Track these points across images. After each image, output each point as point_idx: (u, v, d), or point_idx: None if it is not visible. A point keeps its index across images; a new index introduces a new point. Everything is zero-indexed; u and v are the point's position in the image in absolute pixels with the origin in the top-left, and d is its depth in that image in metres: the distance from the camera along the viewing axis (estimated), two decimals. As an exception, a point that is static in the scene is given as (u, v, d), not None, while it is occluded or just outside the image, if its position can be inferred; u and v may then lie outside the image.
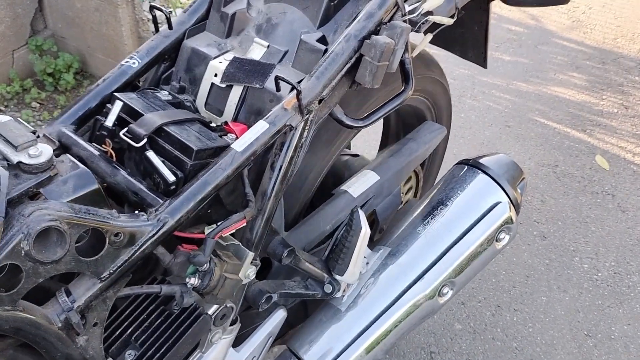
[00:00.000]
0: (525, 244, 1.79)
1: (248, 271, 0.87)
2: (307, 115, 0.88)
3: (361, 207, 1.11)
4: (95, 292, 0.72)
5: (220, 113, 0.95)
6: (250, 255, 0.85)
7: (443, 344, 1.54)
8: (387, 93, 1.03)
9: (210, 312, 0.86)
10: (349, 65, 0.90)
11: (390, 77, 0.97)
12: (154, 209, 0.77)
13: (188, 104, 0.95)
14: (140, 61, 0.95)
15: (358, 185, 1.14)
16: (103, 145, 0.85)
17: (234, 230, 0.83)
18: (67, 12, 2.12)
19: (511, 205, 1.09)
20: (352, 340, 1.04)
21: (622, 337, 1.56)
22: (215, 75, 0.94)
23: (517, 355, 1.52)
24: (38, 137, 0.75)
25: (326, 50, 0.91)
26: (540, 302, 1.64)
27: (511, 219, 1.08)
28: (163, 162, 0.82)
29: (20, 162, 0.69)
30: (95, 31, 2.10)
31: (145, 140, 0.82)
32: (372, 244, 1.13)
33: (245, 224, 0.84)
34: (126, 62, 0.95)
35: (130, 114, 0.86)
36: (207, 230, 0.82)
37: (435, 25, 1.01)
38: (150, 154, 0.82)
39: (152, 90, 0.94)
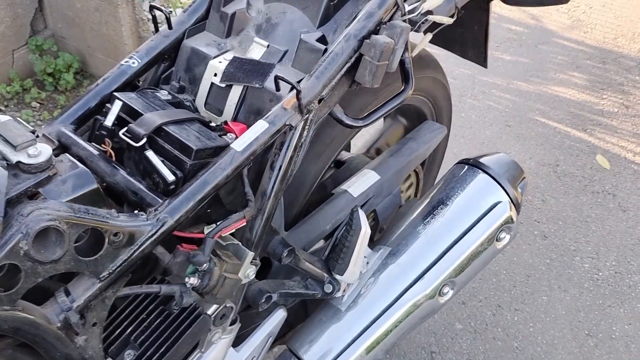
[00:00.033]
0: (526, 244, 1.79)
1: (248, 271, 0.86)
2: (307, 115, 0.88)
3: (361, 206, 1.11)
4: (94, 292, 0.72)
5: (219, 113, 0.95)
6: (250, 254, 0.85)
7: (444, 343, 1.54)
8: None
9: (209, 312, 0.86)
10: (348, 64, 0.89)
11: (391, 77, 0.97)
12: (154, 209, 0.76)
13: (188, 103, 0.95)
14: (139, 61, 0.95)
15: (358, 185, 1.14)
16: (102, 145, 0.85)
17: (233, 230, 0.83)
18: (67, 12, 2.12)
19: (512, 204, 1.09)
20: (353, 340, 1.04)
21: (623, 337, 1.56)
22: (215, 74, 0.94)
23: (518, 354, 1.52)
24: (37, 136, 0.75)
25: (326, 50, 0.91)
26: (541, 302, 1.64)
27: (512, 219, 1.08)
28: (162, 161, 0.82)
29: (20, 161, 0.69)
30: (95, 31, 2.10)
31: (144, 139, 0.82)
32: (373, 243, 1.13)
33: (244, 224, 0.83)
34: (126, 61, 0.95)
35: (129, 113, 0.86)
36: (206, 229, 0.81)
37: (435, 25, 1.01)
38: (150, 154, 0.82)
39: (152, 90, 0.94)
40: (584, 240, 1.81)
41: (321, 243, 1.14)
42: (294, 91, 0.85)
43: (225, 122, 0.92)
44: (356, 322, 1.05)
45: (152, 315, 0.82)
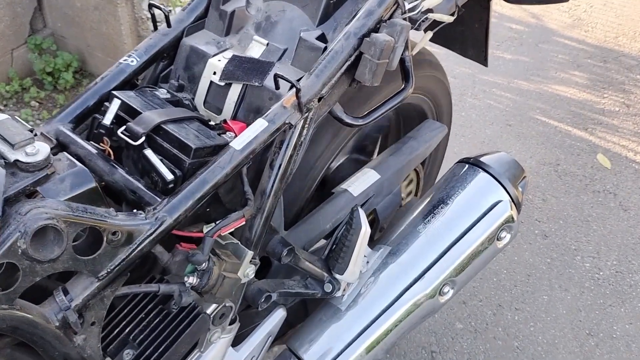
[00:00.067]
0: (526, 243, 1.79)
1: (247, 270, 0.86)
2: (307, 114, 0.87)
3: (361, 205, 1.11)
4: (92, 291, 0.72)
5: (219, 111, 0.95)
6: (249, 254, 0.84)
7: (444, 343, 1.53)
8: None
9: (209, 311, 0.85)
10: (348, 63, 0.89)
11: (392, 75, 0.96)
12: (152, 208, 0.76)
13: (187, 102, 0.95)
14: (138, 59, 0.95)
15: (358, 184, 1.14)
16: (101, 144, 0.85)
17: (232, 229, 0.82)
18: (66, 11, 2.11)
19: (512, 203, 1.08)
20: (353, 340, 1.04)
21: (624, 336, 1.56)
22: (214, 73, 0.94)
23: (519, 354, 1.51)
24: (35, 135, 0.74)
25: (326, 48, 0.91)
26: (542, 301, 1.64)
27: (512, 218, 1.08)
28: (161, 160, 0.82)
29: (17, 160, 0.68)
30: (94, 30, 2.09)
31: (143, 138, 0.81)
32: (373, 243, 1.12)
33: (244, 223, 0.83)
34: (124, 60, 0.95)
35: (128, 112, 0.86)
36: (205, 229, 0.81)
37: (435, 23, 1.01)
38: (149, 153, 0.81)
39: (151, 89, 0.94)
40: (585, 239, 1.81)
41: (321, 242, 1.13)
42: (294, 89, 0.84)
43: (225, 121, 0.92)
44: (356, 322, 1.04)
45: (151, 315, 0.82)
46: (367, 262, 1.09)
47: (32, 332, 0.69)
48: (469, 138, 2.16)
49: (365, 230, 0.99)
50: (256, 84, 0.91)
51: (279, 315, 1.01)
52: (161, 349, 0.81)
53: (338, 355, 1.03)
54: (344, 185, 1.13)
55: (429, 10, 0.97)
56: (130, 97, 0.87)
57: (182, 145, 0.82)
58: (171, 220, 0.76)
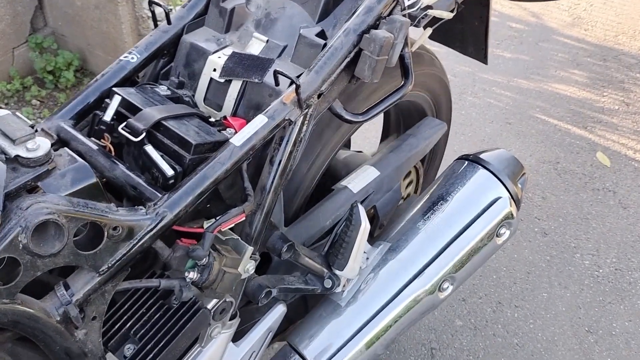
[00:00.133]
0: (526, 241, 1.79)
1: (247, 266, 0.86)
2: (306, 110, 0.88)
3: (361, 202, 1.11)
4: (93, 285, 0.72)
5: (219, 108, 0.95)
6: (250, 249, 0.85)
7: (444, 340, 1.54)
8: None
9: (209, 306, 0.86)
10: (348, 59, 0.89)
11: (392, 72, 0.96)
12: (153, 203, 0.76)
13: (187, 99, 0.95)
14: (139, 56, 0.95)
15: (358, 181, 1.14)
16: (102, 140, 0.85)
17: (233, 225, 0.83)
18: (67, 9, 2.12)
19: (512, 200, 1.09)
20: (352, 336, 1.04)
21: (623, 334, 1.56)
22: (214, 70, 0.94)
23: (518, 351, 1.52)
24: (36, 131, 0.75)
25: (325, 45, 0.91)
26: (541, 299, 1.64)
27: (512, 214, 1.08)
28: (162, 156, 0.82)
29: (18, 155, 0.69)
30: (95, 29, 2.10)
31: (143, 134, 0.82)
32: (373, 239, 1.13)
33: (244, 219, 0.83)
34: (125, 57, 0.95)
35: (128, 108, 0.86)
36: (206, 224, 0.81)
37: (434, 20, 1.01)
38: (149, 149, 0.82)
39: (151, 86, 0.94)
40: (585, 237, 1.81)
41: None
42: (293, 86, 0.85)
43: (225, 117, 0.92)
44: (356, 318, 1.05)
45: (152, 310, 0.82)
46: (367, 258, 1.09)
47: (33, 327, 0.69)
48: (469, 136, 2.16)
49: (365, 226, 1.00)
50: (256, 80, 0.92)
51: (279, 311, 1.01)
52: (162, 344, 0.81)
53: (338, 350, 1.03)
54: (343, 182, 1.14)
55: (429, 7, 0.97)
56: (130, 94, 0.88)
57: (183, 142, 0.82)
58: (172, 216, 0.76)
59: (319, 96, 0.89)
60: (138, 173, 0.82)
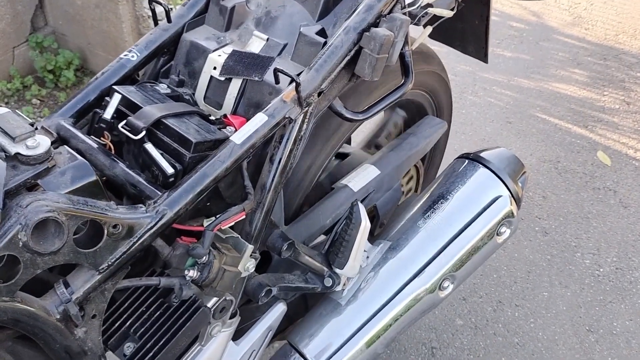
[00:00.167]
0: (526, 240, 1.79)
1: (247, 264, 0.86)
2: (307, 108, 0.87)
3: (361, 201, 1.11)
4: (93, 284, 0.72)
5: (219, 106, 0.95)
6: (250, 248, 0.85)
7: (444, 339, 1.53)
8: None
9: (209, 304, 0.86)
10: (348, 57, 0.89)
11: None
12: (153, 201, 0.76)
13: (187, 97, 0.95)
14: (139, 54, 0.95)
15: (358, 180, 1.14)
16: (102, 138, 0.85)
17: (233, 223, 0.83)
18: (67, 8, 2.12)
19: (512, 199, 1.09)
20: (353, 334, 1.04)
21: (624, 333, 1.56)
22: (215, 68, 0.94)
23: (519, 350, 1.51)
24: (36, 129, 0.75)
25: (325, 43, 0.91)
26: (542, 298, 1.64)
27: (512, 213, 1.08)
28: (162, 154, 0.82)
29: (18, 153, 0.69)
30: (95, 28, 2.10)
31: (143, 132, 0.82)
32: (373, 238, 1.13)
33: (244, 217, 0.83)
34: (125, 55, 0.95)
35: (128, 106, 0.86)
36: (206, 222, 0.81)
37: (435, 18, 1.01)
38: (149, 147, 0.82)
39: (151, 84, 0.94)
40: (585, 236, 1.81)
41: (321, 237, 1.14)
42: (294, 84, 0.85)
43: (225, 116, 0.92)
44: (356, 316, 1.05)
45: (152, 308, 0.82)
46: (367, 257, 1.09)
47: (33, 325, 0.69)
48: (470, 135, 2.16)
49: (365, 224, 1.00)
50: (256, 78, 0.91)
51: (279, 309, 1.01)
52: (162, 342, 0.81)
53: (338, 349, 1.03)
54: (344, 181, 1.13)
55: (429, 5, 0.97)
56: (130, 92, 0.88)
57: (183, 140, 0.82)
58: (172, 214, 0.76)
59: (319, 94, 0.89)
60: (138, 171, 0.81)
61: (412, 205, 1.14)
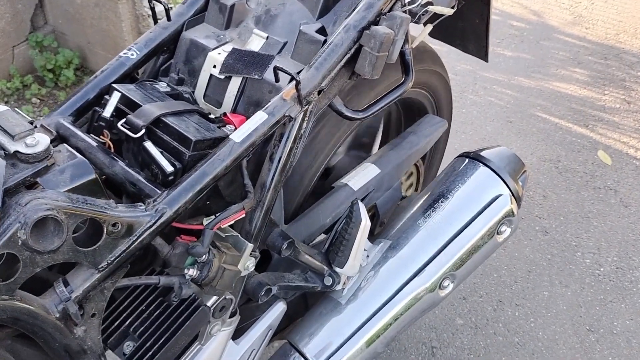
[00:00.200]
0: (527, 239, 1.78)
1: (247, 263, 0.86)
2: (306, 106, 0.87)
3: (361, 200, 1.11)
4: (93, 282, 0.72)
5: (219, 104, 0.95)
6: (250, 246, 0.85)
7: (444, 338, 1.53)
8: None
9: (209, 303, 0.85)
10: (348, 56, 0.89)
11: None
12: (152, 200, 0.76)
13: (187, 95, 0.95)
14: (138, 53, 0.95)
15: (358, 179, 1.14)
16: (101, 137, 0.85)
17: (232, 222, 0.83)
18: (67, 8, 2.11)
19: (512, 197, 1.08)
20: (353, 333, 1.04)
21: (624, 332, 1.56)
22: (214, 66, 0.94)
23: (519, 350, 1.51)
24: (35, 127, 0.74)
25: (325, 41, 0.91)
26: (542, 297, 1.63)
27: (512, 212, 1.08)
28: (161, 152, 0.82)
29: (17, 151, 0.69)
30: (95, 27, 2.09)
31: (143, 131, 0.81)
32: (373, 237, 1.12)
33: (244, 215, 0.83)
34: (124, 53, 0.95)
35: (128, 105, 0.86)
36: (205, 221, 0.81)
37: (435, 16, 1.01)
38: (149, 145, 0.81)
39: (151, 82, 0.94)
40: (586, 235, 1.81)
41: (322, 236, 1.13)
42: (294, 82, 0.84)
43: (225, 114, 0.92)
44: (356, 315, 1.04)
45: (151, 307, 0.82)
46: (367, 256, 1.09)
47: (33, 323, 0.69)
48: (470, 135, 2.16)
49: (365, 223, 0.99)
50: (256, 77, 0.91)
51: (279, 308, 1.01)
52: (161, 341, 0.81)
53: (338, 348, 1.03)
54: (344, 180, 1.13)
55: (429, 3, 0.97)
56: (130, 90, 0.87)
57: (182, 138, 0.82)
58: (171, 212, 0.76)
59: (319, 92, 0.88)
60: (137, 169, 0.81)
61: (412, 204, 1.14)
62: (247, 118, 0.86)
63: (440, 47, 1.37)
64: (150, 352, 0.80)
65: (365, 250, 1.08)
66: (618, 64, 2.52)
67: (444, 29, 1.19)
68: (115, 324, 0.80)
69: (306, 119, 0.88)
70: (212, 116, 0.91)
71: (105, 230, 0.70)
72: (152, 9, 1.00)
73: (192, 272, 0.79)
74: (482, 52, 1.36)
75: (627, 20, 2.79)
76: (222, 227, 0.81)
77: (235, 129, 0.86)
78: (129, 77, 0.94)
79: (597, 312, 1.60)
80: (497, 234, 1.09)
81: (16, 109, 0.76)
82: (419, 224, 1.09)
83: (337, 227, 1.04)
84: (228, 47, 0.95)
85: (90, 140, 0.83)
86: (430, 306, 1.08)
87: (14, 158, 0.69)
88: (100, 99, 0.89)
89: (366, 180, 1.14)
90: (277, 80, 0.89)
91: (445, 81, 1.35)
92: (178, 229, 0.80)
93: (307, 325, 1.06)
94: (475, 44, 1.36)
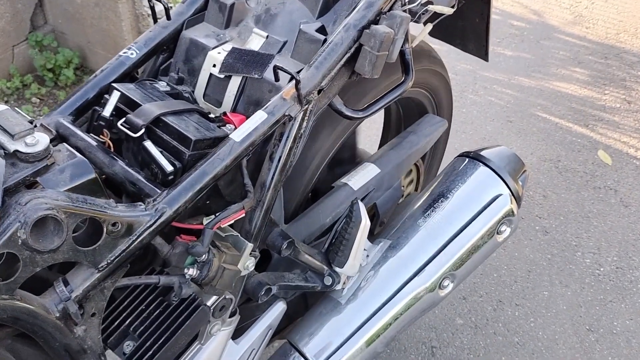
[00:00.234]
0: (527, 239, 1.78)
1: (247, 262, 0.86)
2: (306, 106, 0.87)
3: (361, 199, 1.11)
4: (93, 282, 0.72)
5: (218, 104, 0.95)
6: (249, 246, 0.84)
7: (444, 338, 1.53)
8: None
9: (209, 303, 0.85)
10: (348, 55, 0.89)
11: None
12: (152, 199, 0.76)
13: (186, 94, 0.95)
14: (138, 52, 0.95)
15: (358, 178, 1.14)
16: (101, 136, 0.85)
17: (232, 221, 0.83)
18: (67, 7, 2.11)
19: (512, 197, 1.08)
20: (353, 333, 1.04)
21: (624, 332, 1.56)
22: (214, 65, 0.94)
23: (519, 350, 1.51)
24: (35, 126, 0.74)
25: (325, 41, 0.91)
26: (542, 297, 1.63)
27: (512, 212, 1.08)
28: (161, 152, 0.82)
29: (17, 150, 0.69)
30: (95, 26, 2.09)
31: (143, 130, 0.81)
32: (373, 237, 1.12)
33: (244, 215, 0.83)
34: (124, 53, 0.95)
35: (128, 104, 0.86)
36: (205, 221, 0.81)
37: (435, 15, 1.01)
38: (148, 144, 0.81)
39: (150, 81, 0.94)
40: (586, 235, 1.81)
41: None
42: (293, 81, 0.84)
43: (224, 113, 0.92)
44: (356, 315, 1.04)
45: (151, 306, 0.82)
46: (367, 255, 1.09)
47: (33, 323, 0.69)
48: (470, 134, 2.16)
49: (365, 223, 0.99)
50: (256, 76, 0.91)
51: (279, 308, 1.01)
52: (161, 341, 0.81)
53: (338, 348, 1.03)
54: (344, 179, 1.13)
55: (429, 2, 0.97)
56: (130, 90, 0.87)
57: (182, 137, 0.82)
58: (171, 212, 0.76)
59: (319, 92, 0.88)
60: (137, 169, 0.81)
61: (412, 204, 1.14)
62: (247, 117, 0.86)
63: (440, 47, 1.37)
64: (150, 352, 0.80)
65: (365, 250, 1.08)
66: (618, 64, 2.52)
67: (444, 28, 1.19)
68: (115, 323, 0.80)
69: (306, 118, 0.88)
70: (212, 115, 0.91)
71: (105, 229, 0.70)
72: (152, 8, 1.00)
73: (192, 271, 0.79)
74: (482, 51, 1.36)
75: (627, 20, 2.79)
76: (222, 226, 0.81)
77: (235, 128, 0.86)
78: (128, 76, 0.94)
79: (597, 312, 1.60)
80: (497, 233, 1.09)
81: (16, 108, 0.76)
82: (418, 223, 1.09)
83: (337, 227, 1.04)
84: (228, 46, 0.95)
85: (90, 139, 0.83)
86: (430, 306, 1.08)
87: (13, 157, 0.69)
88: (100, 98, 0.89)
89: (366, 179, 1.14)
90: (277, 79, 0.89)
91: (446, 81, 1.35)
92: (178, 228, 0.80)
93: (307, 324, 1.06)
94: (475, 44, 1.36)
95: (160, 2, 0.96)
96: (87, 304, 0.73)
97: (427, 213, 1.09)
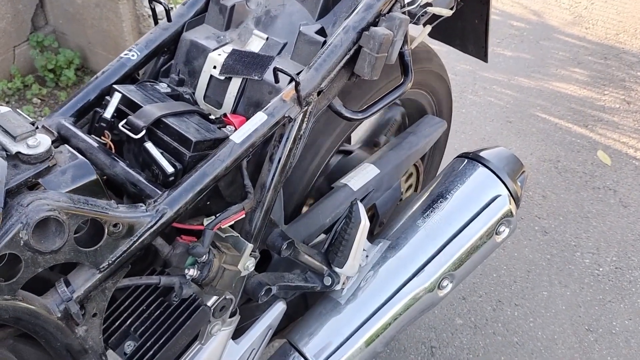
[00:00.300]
0: (526, 239, 1.79)
1: (247, 263, 0.87)
2: (306, 107, 0.88)
3: (361, 200, 1.11)
4: (94, 282, 0.72)
5: (219, 105, 0.96)
6: (249, 246, 0.85)
7: (444, 338, 1.54)
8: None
9: (209, 303, 0.86)
10: (347, 56, 0.90)
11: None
12: (153, 200, 0.77)
13: (187, 96, 0.95)
14: (139, 54, 0.95)
15: (358, 179, 1.14)
16: (102, 137, 0.85)
17: (232, 222, 0.83)
18: (67, 8, 2.12)
19: (511, 198, 1.09)
20: (352, 333, 1.04)
21: (623, 332, 1.56)
22: (214, 67, 0.94)
23: (518, 349, 1.52)
24: (37, 128, 0.75)
25: (325, 42, 0.91)
26: (542, 297, 1.64)
27: (511, 212, 1.08)
28: (162, 153, 0.82)
29: (19, 152, 0.69)
30: (96, 27, 2.10)
31: (144, 131, 0.82)
32: (372, 237, 1.13)
33: (244, 216, 0.84)
34: (125, 54, 0.95)
35: (129, 106, 0.87)
36: (206, 221, 0.82)
37: (434, 17, 1.01)
38: (149, 146, 0.82)
39: (151, 83, 0.94)
40: (585, 235, 1.81)
41: (321, 236, 1.14)
42: (293, 83, 0.85)
43: (225, 115, 0.92)
44: (356, 315, 1.05)
45: (152, 307, 0.82)
46: (367, 256, 1.09)
47: (34, 323, 0.70)
48: (469, 135, 2.16)
49: (365, 223, 1.00)
50: (256, 77, 0.92)
51: (279, 308, 1.02)
52: (162, 341, 0.82)
53: (338, 348, 1.03)
54: (343, 180, 1.14)
55: (428, 4, 0.97)
56: (131, 91, 0.88)
57: (183, 139, 0.82)
58: (172, 213, 0.77)
59: (318, 93, 0.89)
60: (138, 170, 0.82)
61: (411, 205, 1.15)
62: (247, 119, 0.86)
63: (440, 48, 1.37)
64: (151, 352, 0.81)
65: (364, 250, 1.08)
66: (618, 64, 2.52)
67: (443, 30, 1.19)
68: (117, 323, 0.81)
69: (306, 119, 0.89)
70: (212, 117, 0.91)
71: (106, 230, 0.71)
72: (153, 9, 1.00)
73: (192, 272, 0.80)
74: (481, 52, 1.37)
75: (627, 20, 2.79)
76: (222, 227, 0.82)
77: (235, 129, 0.87)
78: (129, 78, 0.95)
79: (596, 312, 1.61)
80: (496, 234, 1.09)
81: (17, 109, 0.76)
82: (418, 224, 1.09)
83: (337, 227, 1.05)
84: (228, 48, 0.96)
85: (91, 141, 0.84)
86: (430, 306, 1.09)
87: (15, 159, 0.69)
88: (101, 100, 0.90)
89: (366, 180, 1.14)
90: (276, 81, 0.89)
91: (445, 81, 1.36)
92: (178, 229, 0.80)
93: (307, 325, 1.07)
94: (474, 44, 1.36)
95: (160, 3, 0.97)
96: (89, 304, 0.73)
97: (426, 213, 1.10)
